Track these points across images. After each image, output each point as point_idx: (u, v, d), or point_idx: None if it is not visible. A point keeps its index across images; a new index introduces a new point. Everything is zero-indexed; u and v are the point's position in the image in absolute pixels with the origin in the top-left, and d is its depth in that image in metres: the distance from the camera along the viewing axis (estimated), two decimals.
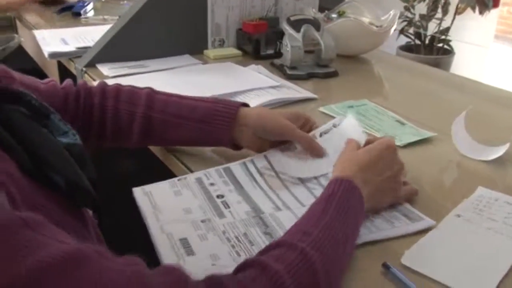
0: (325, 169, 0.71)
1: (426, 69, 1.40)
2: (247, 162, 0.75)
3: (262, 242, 0.59)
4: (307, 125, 0.77)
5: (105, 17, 1.69)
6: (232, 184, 0.71)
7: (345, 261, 0.54)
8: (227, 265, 0.55)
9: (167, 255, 0.57)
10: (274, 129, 0.73)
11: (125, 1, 1.95)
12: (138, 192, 0.69)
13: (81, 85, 0.77)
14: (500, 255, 0.57)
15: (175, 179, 0.72)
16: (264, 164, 0.74)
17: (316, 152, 0.72)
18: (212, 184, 0.70)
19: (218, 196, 0.68)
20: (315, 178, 0.71)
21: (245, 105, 0.77)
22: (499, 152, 0.77)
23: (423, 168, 0.77)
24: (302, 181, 0.71)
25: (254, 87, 1.04)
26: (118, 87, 0.77)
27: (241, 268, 0.47)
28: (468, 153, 0.79)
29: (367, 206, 0.59)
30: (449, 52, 3.48)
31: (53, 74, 1.49)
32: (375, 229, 0.61)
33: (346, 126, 0.75)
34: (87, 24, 1.64)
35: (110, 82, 1.07)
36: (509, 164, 0.78)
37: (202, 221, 0.63)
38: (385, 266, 0.54)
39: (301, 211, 0.61)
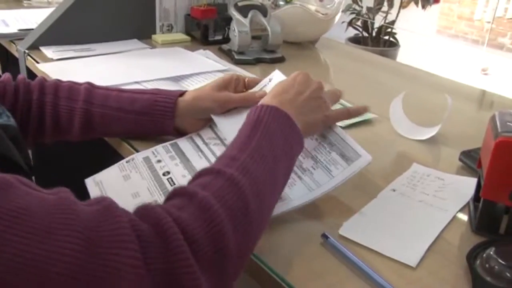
0: None
1: (370, 56, 1.45)
2: (194, 135, 0.76)
3: None
4: (240, 84, 0.77)
5: (50, 0, 1.64)
6: (178, 157, 0.72)
7: (279, 182, 0.54)
8: None
9: None
10: (211, 107, 0.74)
11: None
12: (90, 183, 0.69)
13: (20, 80, 0.75)
14: (430, 224, 0.61)
15: (124, 161, 0.72)
16: (210, 135, 0.75)
17: (255, 102, 0.67)
18: (159, 161, 0.71)
19: (164, 174, 0.69)
20: None
21: (184, 94, 0.77)
22: (432, 132, 0.82)
23: (364, 147, 0.81)
24: None
25: (202, 71, 1.05)
26: (57, 82, 0.76)
27: (170, 197, 0.47)
28: (404, 133, 0.84)
29: (301, 128, 0.59)
30: (394, 44, 3.60)
31: None
32: (315, 185, 0.63)
33: (279, 79, 0.75)
34: (30, 7, 1.58)
35: (54, 64, 1.06)
36: (440, 143, 0.83)
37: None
38: (324, 236, 0.57)
39: None
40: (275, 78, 0.76)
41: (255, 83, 0.78)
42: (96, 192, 0.67)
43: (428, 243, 0.57)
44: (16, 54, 1.18)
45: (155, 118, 0.74)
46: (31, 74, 1.11)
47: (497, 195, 0.57)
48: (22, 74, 0.75)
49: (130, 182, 0.68)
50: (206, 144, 0.74)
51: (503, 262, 0.50)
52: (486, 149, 0.59)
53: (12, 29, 1.27)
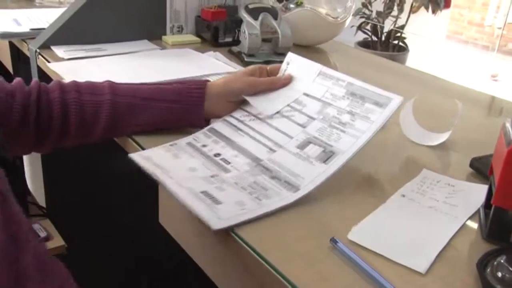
0: (294, 95, 0.80)
1: (379, 60, 1.45)
2: (227, 117, 0.80)
3: (273, 185, 0.64)
4: (264, 72, 0.85)
5: (61, 0, 1.65)
6: (221, 141, 0.74)
7: None
8: (254, 209, 0.60)
9: (197, 205, 0.60)
10: (242, 88, 0.79)
11: None
12: (137, 157, 0.70)
13: (33, 84, 0.73)
14: (440, 230, 0.60)
15: (167, 144, 0.74)
16: (242, 114, 0.80)
17: (282, 84, 0.82)
18: (204, 146, 0.74)
19: (215, 155, 0.71)
20: (288, 105, 0.79)
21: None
22: (442, 138, 0.82)
23: (374, 153, 0.80)
24: (280, 113, 0.77)
25: (212, 72, 1.05)
26: (76, 82, 0.76)
27: None
28: (414, 139, 0.83)
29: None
30: (404, 49, 3.59)
31: (5, 55, 1.45)
32: (360, 133, 0.69)
33: (296, 61, 0.85)
34: (41, 6, 1.60)
35: (65, 64, 1.07)
36: (451, 148, 0.82)
37: (212, 177, 0.66)
38: (333, 240, 0.57)
39: (291, 144, 0.71)
40: (292, 60, 0.85)
41: (276, 70, 0.86)
42: (148, 165, 0.67)
43: (438, 250, 0.57)
44: (28, 53, 1.19)
45: (188, 104, 0.77)
46: (42, 74, 1.11)
47: (509, 203, 0.56)
48: (35, 80, 0.75)
49: (182, 160, 0.70)
50: (241, 121, 0.78)
51: None
52: (498, 156, 0.59)
53: (24, 28, 1.28)
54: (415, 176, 0.72)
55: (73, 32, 1.18)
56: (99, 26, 1.21)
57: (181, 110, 0.77)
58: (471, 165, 0.75)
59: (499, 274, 0.50)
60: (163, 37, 1.31)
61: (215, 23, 1.28)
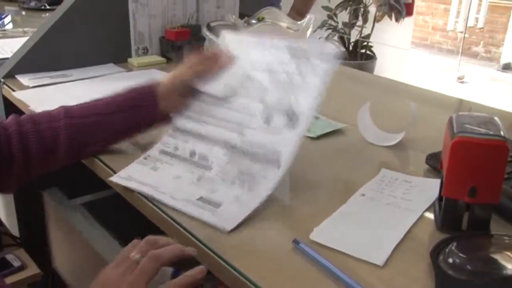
0: (242, 72, 0.79)
1: (343, 69, 1.48)
2: (185, 113, 0.81)
3: (257, 170, 0.67)
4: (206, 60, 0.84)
5: (25, 29, 1.66)
6: (190, 138, 0.76)
7: None
8: (251, 201, 0.64)
9: (201, 213, 0.62)
10: (187, 77, 0.81)
11: (47, 14, 1.92)
12: (118, 179, 0.71)
13: None
14: (397, 224, 0.63)
15: (141, 158, 0.76)
16: (199, 105, 0.80)
17: (224, 60, 0.81)
18: (176, 149, 0.75)
19: (191, 155, 0.73)
20: (240, 83, 0.79)
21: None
22: (398, 138, 0.85)
23: (334, 156, 0.84)
24: (235, 94, 0.78)
25: None
26: (31, 113, 0.78)
27: None
28: (372, 140, 0.87)
29: None
30: (371, 57, 3.67)
31: None
32: (314, 88, 0.71)
33: (232, 38, 0.85)
34: (5, 36, 1.60)
35: (31, 92, 1.08)
36: (408, 147, 0.86)
37: (198, 180, 0.68)
38: (295, 241, 0.59)
39: (256, 122, 0.72)
40: (228, 38, 0.85)
41: (217, 53, 0.84)
42: (133, 185, 0.68)
43: (395, 243, 0.59)
44: None
45: (142, 108, 0.78)
46: (9, 103, 1.12)
47: (457, 193, 0.59)
48: None
49: (163, 172, 0.71)
50: (201, 112, 0.79)
51: (463, 256, 0.52)
52: (445, 150, 0.62)
53: None
54: (374, 176, 0.75)
55: (37, 59, 1.19)
56: (63, 53, 1.22)
57: (139, 115, 0.78)
58: (427, 162, 0.78)
59: (450, 260, 0.53)
60: (129, 59, 1.33)
61: (179, 43, 1.31)
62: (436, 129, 0.96)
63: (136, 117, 0.78)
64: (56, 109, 0.77)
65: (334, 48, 0.72)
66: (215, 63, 0.81)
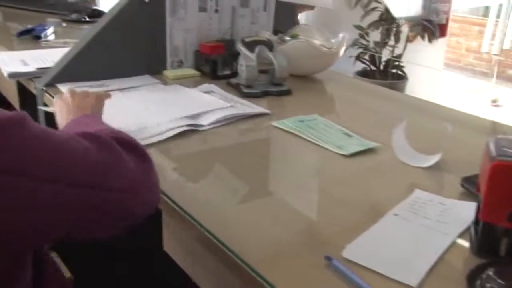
0: None
1: (375, 88, 1.49)
2: None
3: None
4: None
5: (66, 40, 1.71)
6: None
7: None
8: None
9: None
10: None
11: (86, 26, 1.98)
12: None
13: None
14: (431, 246, 0.62)
15: None
16: None
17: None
18: None
19: None
20: None
21: None
22: (434, 159, 0.84)
23: (367, 175, 0.83)
24: None
25: (207, 109, 1.06)
26: None
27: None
28: (407, 161, 0.86)
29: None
30: (402, 77, 3.65)
31: (12, 95, 1.49)
32: None
33: None
34: (47, 47, 1.65)
35: None
36: (443, 169, 0.85)
37: None
38: (327, 258, 0.59)
39: None
40: None
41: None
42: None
43: (429, 264, 0.58)
44: (34, 91, 1.24)
45: None
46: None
47: (495, 218, 0.58)
48: None
49: None
50: None
51: (502, 282, 0.51)
52: (483, 173, 0.61)
53: (31, 68, 1.32)
54: (407, 196, 0.75)
55: (77, 69, 1.22)
56: (102, 63, 1.26)
57: None
58: (462, 184, 0.77)
59: (488, 286, 0.52)
60: (164, 71, 1.35)
61: (213, 57, 1.33)
62: (471, 151, 0.95)
63: None
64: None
65: None
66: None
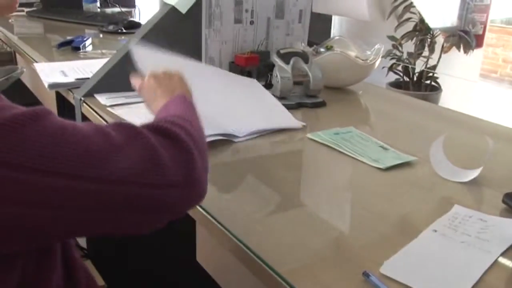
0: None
1: (409, 100, 1.47)
2: None
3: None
4: None
5: (103, 51, 1.75)
6: None
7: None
8: None
9: None
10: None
11: (123, 37, 2.03)
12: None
13: None
14: (472, 265, 0.61)
15: None
16: None
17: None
18: None
19: None
20: None
21: None
22: (473, 174, 0.82)
23: (404, 188, 0.82)
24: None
25: (280, 126, 1.07)
26: None
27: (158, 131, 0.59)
28: (445, 175, 0.84)
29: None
30: (436, 88, 3.58)
31: (51, 105, 1.54)
32: None
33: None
34: (85, 57, 1.70)
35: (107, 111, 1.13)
36: (483, 185, 0.83)
37: None
38: (365, 274, 0.58)
39: None
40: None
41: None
42: None
43: (471, 285, 0.57)
44: (73, 102, 1.27)
45: None
46: (86, 120, 1.18)
47: None
48: None
49: None
50: None
51: None
52: None
53: (70, 78, 1.36)
54: (446, 212, 0.73)
55: (114, 80, 1.25)
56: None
57: None
58: (504, 201, 0.75)
59: None
60: None
61: (248, 68, 1.34)
62: (511, 166, 0.93)
63: None
64: None
65: None
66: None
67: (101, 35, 2.06)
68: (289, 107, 1.19)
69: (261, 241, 0.65)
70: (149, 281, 1.27)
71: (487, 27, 3.58)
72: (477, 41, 3.38)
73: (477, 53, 3.60)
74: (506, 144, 1.06)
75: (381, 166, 0.87)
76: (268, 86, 1.31)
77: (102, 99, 1.21)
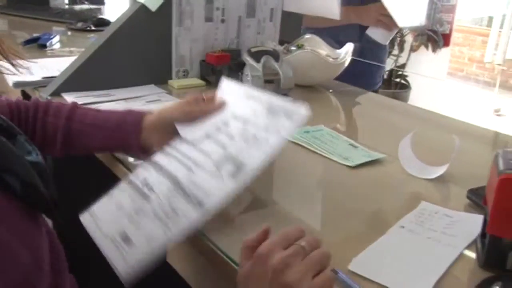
0: (222, 117, 0.77)
1: (380, 98, 1.49)
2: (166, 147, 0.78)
3: (186, 208, 0.64)
4: (200, 101, 0.81)
5: (71, 49, 1.72)
6: (150, 165, 0.75)
7: None
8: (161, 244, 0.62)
9: (111, 253, 0.64)
10: (176, 118, 0.79)
11: (92, 35, 1.99)
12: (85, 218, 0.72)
13: (20, 101, 0.85)
14: (437, 260, 0.62)
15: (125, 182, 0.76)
16: (176, 142, 0.78)
17: (214, 110, 0.78)
18: (135, 176, 0.75)
19: (142, 182, 0.72)
20: (216, 127, 0.76)
21: None
22: (440, 171, 0.84)
23: (373, 186, 0.83)
24: (208, 136, 0.76)
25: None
26: (48, 103, 0.84)
27: None
28: (413, 172, 0.86)
29: None
30: (406, 87, 3.66)
31: None
32: (270, 148, 0.68)
33: (228, 85, 0.83)
34: (53, 55, 1.66)
35: None
36: (449, 181, 0.85)
37: (136, 213, 0.67)
38: (334, 271, 0.59)
39: (208, 163, 0.69)
40: (225, 86, 0.83)
41: (212, 97, 0.82)
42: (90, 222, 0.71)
43: (436, 278, 0.58)
44: None
45: (125, 134, 0.81)
46: None
47: (502, 231, 0.58)
48: (19, 97, 0.84)
49: (113, 199, 0.73)
50: (172, 147, 0.77)
51: None
52: (491, 186, 0.61)
53: (36, 77, 1.33)
54: (414, 208, 0.74)
55: (82, 79, 1.23)
56: (107, 73, 1.26)
57: (119, 139, 0.81)
58: (468, 197, 0.77)
59: None
60: (169, 81, 1.36)
61: (219, 67, 1.33)
62: (476, 163, 0.95)
63: (117, 139, 0.81)
64: (68, 104, 0.84)
65: (305, 112, 0.70)
66: (208, 107, 0.79)
67: (69, 33, 2.02)
68: None
69: (232, 242, 0.65)
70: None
71: (454, 27, 3.66)
72: (444, 40, 3.45)
73: (444, 52, 3.69)
74: (469, 140, 1.08)
75: (350, 164, 0.88)
76: None
77: (70, 98, 1.18)
